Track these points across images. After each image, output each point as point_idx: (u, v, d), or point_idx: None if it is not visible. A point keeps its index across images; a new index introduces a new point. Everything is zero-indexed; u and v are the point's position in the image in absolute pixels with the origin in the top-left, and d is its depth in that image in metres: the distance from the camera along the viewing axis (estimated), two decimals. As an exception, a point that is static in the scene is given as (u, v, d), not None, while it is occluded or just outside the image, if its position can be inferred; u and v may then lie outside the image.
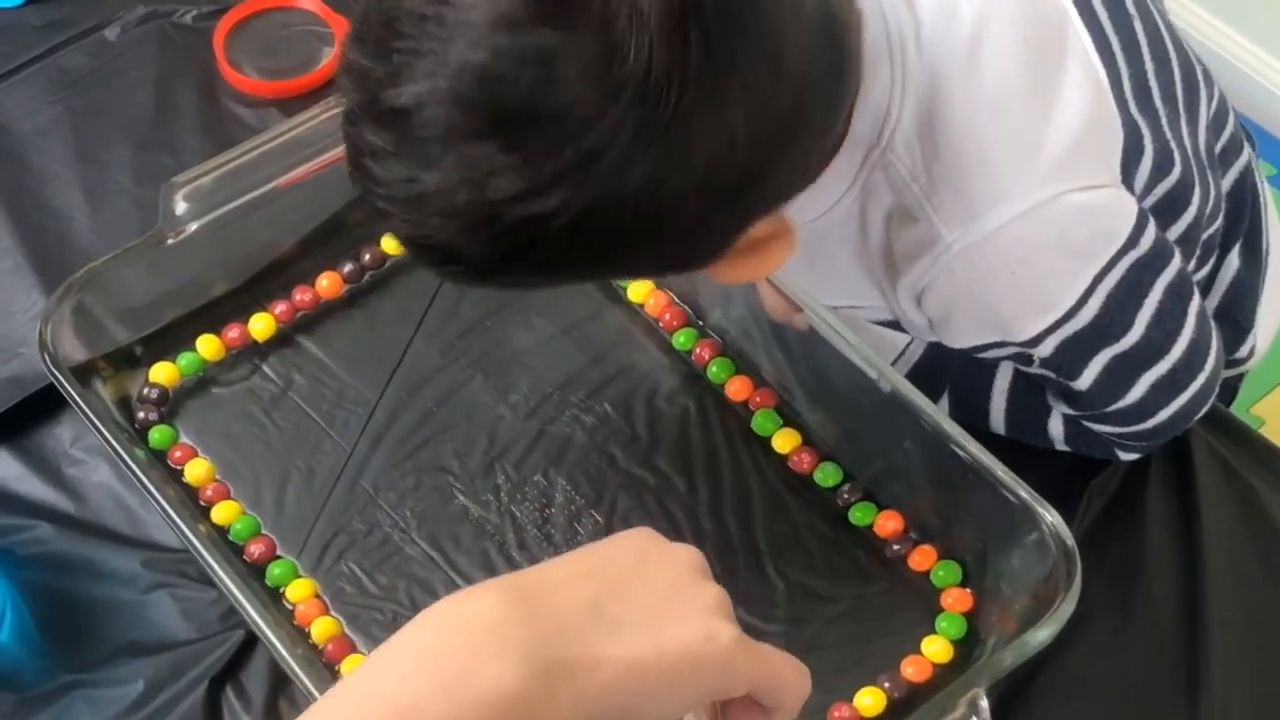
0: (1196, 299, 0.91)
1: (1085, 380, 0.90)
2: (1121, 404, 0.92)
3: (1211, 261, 1.03)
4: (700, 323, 1.03)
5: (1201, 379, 0.93)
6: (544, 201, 0.69)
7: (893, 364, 0.99)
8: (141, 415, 0.98)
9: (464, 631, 0.59)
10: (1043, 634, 0.84)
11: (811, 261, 0.93)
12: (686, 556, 0.66)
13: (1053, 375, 0.91)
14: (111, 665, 0.90)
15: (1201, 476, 0.99)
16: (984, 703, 0.82)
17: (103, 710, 0.89)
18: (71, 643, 0.91)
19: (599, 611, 0.61)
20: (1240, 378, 1.11)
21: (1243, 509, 0.99)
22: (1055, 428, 0.98)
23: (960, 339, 0.91)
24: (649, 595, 0.62)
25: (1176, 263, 0.89)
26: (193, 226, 0.98)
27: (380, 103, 0.69)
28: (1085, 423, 0.96)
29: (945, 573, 0.92)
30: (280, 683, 0.90)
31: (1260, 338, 1.08)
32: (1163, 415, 0.93)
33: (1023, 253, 0.84)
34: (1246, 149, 1.04)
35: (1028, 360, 0.91)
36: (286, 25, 1.22)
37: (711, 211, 0.73)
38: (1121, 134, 0.87)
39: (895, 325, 0.97)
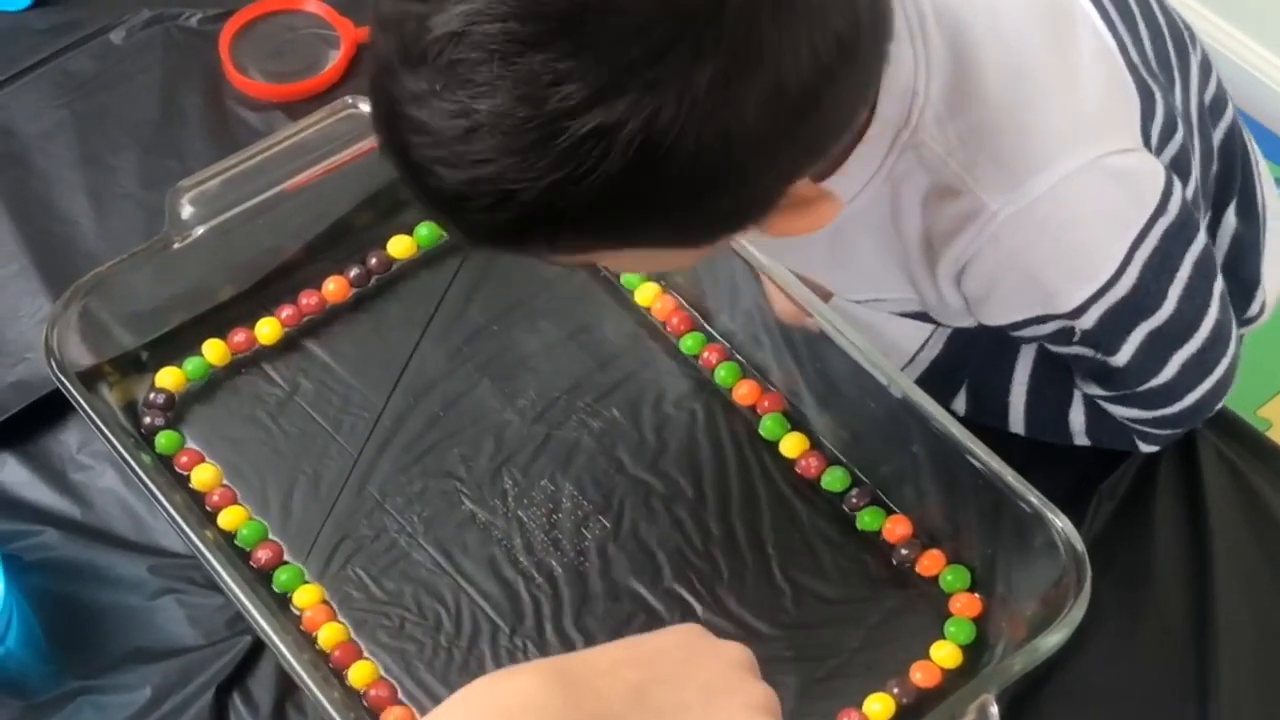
0: (1220, 281, 0.92)
1: (1123, 356, 0.90)
2: (1154, 383, 0.92)
3: (1206, 219, 1.04)
4: (708, 327, 1.02)
5: (1225, 364, 0.94)
6: (610, 109, 0.65)
7: (904, 367, 0.98)
8: (148, 420, 0.97)
9: (501, 712, 0.58)
10: (1053, 639, 0.83)
11: (834, 254, 0.92)
12: (736, 654, 0.66)
13: (1090, 352, 0.91)
14: (118, 671, 0.90)
15: (1209, 480, 0.99)
16: (994, 709, 0.82)
17: (109, 716, 0.88)
18: (78, 649, 0.91)
19: (642, 700, 0.60)
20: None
21: (1251, 512, 0.98)
22: (1076, 419, 0.98)
23: (1001, 315, 0.90)
24: (694, 689, 0.62)
25: (1202, 237, 0.90)
26: (199, 231, 0.98)
27: (421, 40, 0.67)
28: (1113, 407, 0.96)
29: (954, 578, 0.92)
30: (287, 689, 0.89)
31: (1269, 293, 1.08)
32: (1189, 399, 0.93)
33: (1066, 217, 0.85)
34: (1230, 106, 1.05)
35: (1067, 336, 0.90)
36: (292, 28, 1.22)
37: (773, 136, 0.70)
38: (1138, 98, 0.88)
39: (919, 317, 0.96)
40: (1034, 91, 0.84)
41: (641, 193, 0.68)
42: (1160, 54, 0.94)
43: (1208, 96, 1.02)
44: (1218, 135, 1.04)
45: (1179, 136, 0.93)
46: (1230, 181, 1.06)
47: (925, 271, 0.90)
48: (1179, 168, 0.93)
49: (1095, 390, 0.96)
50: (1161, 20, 0.96)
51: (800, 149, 0.72)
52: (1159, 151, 0.91)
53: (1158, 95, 0.90)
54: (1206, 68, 1.02)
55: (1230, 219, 1.06)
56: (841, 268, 0.95)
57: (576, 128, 0.65)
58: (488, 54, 0.66)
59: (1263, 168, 1.10)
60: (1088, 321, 0.88)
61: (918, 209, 0.88)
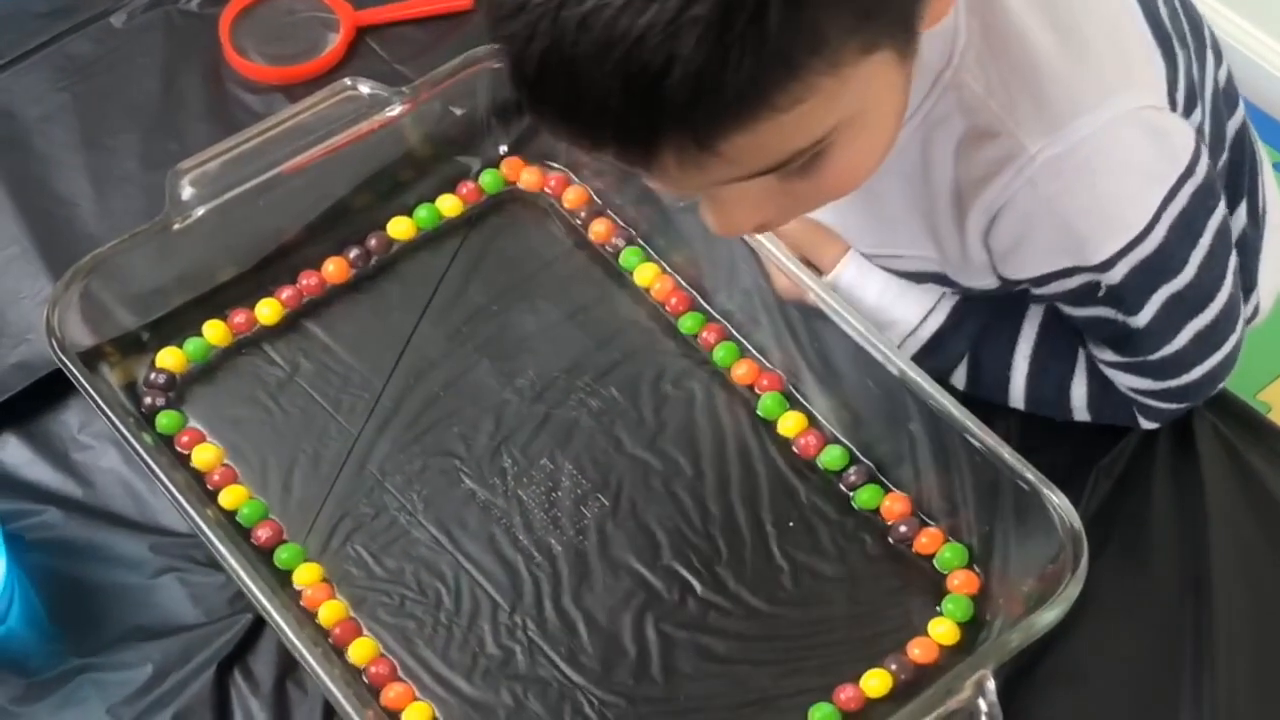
0: (1234, 256, 0.92)
1: (1144, 317, 0.90)
2: (1167, 350, 0.92)
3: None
4: (706, 307, 1.03)
5: (1233, 340, 0.94)
6: None
7: (904, 340, 0.98)
8: (148, 400, 0.98)
9: None
10: (1050, 615, 0.84)
11: (860, 201, 0.92)
12: None
13: (1111, 313, 0.91)
14: (120, 649, 0.90)
15: (1206, 458, 0.99)
16: (990, 684, 0.82)
17: (111, 694, 0.89)
18: (80, 627, 0.91)
19: None
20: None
21: (1247, 490, 0.99)
22: (1078, 393, 0.98)
23: (1029, 267, 0.90)
24: None
25: (1222, 208, 0.91)
26: (199, 212, 0.99)
27: None
28: (1122, 376, 0.96)
29: (951, 555, 0.92)
30: (288, 666, 0.90)
31: (1263, 297, 1.09)
32: (1197, 371, 0.94)
33: (1103, 165, 0.85)
34: (1241, 105, 1.05)
35: (1091, 292, 0.90)
36: (291, 11, 1.22)
37: None
38: (1164, 64, 0.88)
39: (931, 279, 0.96)
40: (1075, 39, 0.85)
41: None
42: (1179, 33, 0.94)
43: (1221, 79, 1.02)
44: (1231, 126, 1.04)
45: (1198, 112, 0.94)
46: (1240, 180, 1.06)
47: (952, 225, 0.90)
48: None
49: (1109, 356, 0.96)
50: (1178, 2, 0.96)
51: None
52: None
53: (1180, 64, 0.91)
54: (1218, 55, 1.03)
55: (1241, 218, 1.06)
56: (866, 217, 0.95)
57: None
58: None
59: (1267, 169, 1.10)
60: (1115, 276, 0.88)
61: (950, 159, 0.88)
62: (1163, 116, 0.87)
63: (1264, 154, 1.10)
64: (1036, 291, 0.93)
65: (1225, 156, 1.03)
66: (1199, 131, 0.93)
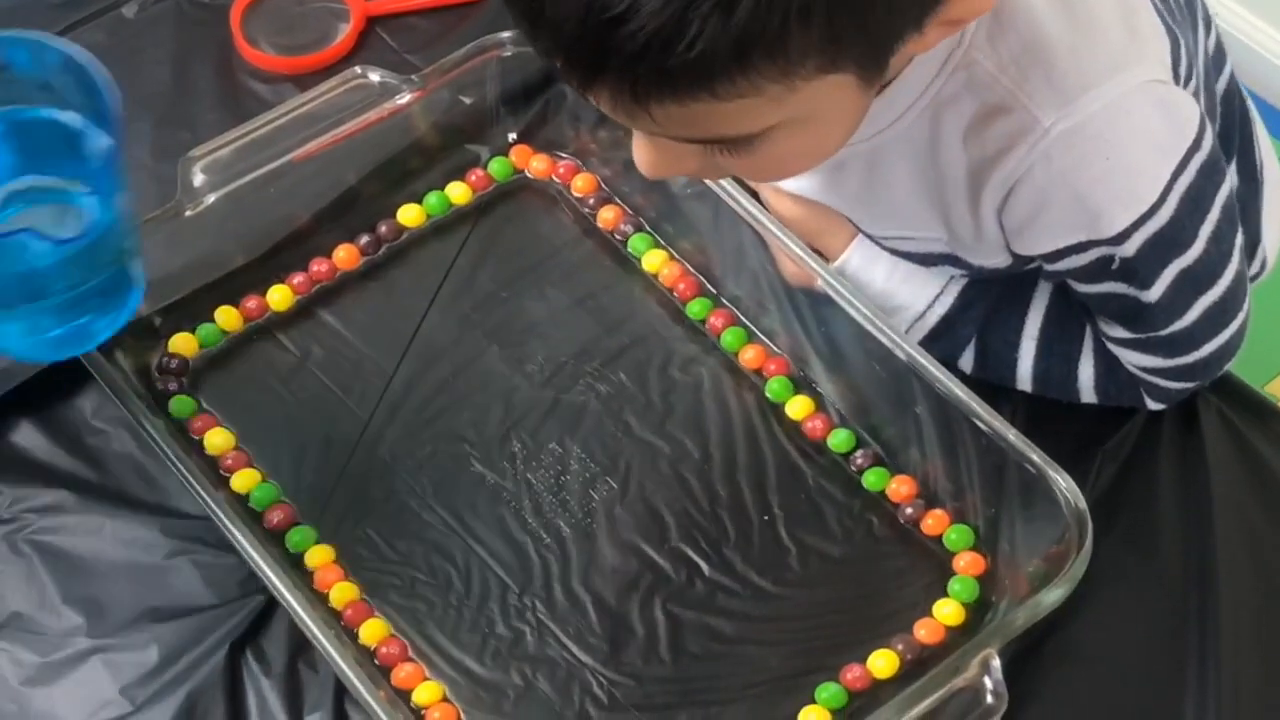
0: (1241, 235, 0.93)
1: (1156, 291, 0.91)
2: (1178, 326, 0.93)
3: None
4: (714, 292, 1.03)
5: (1240, 317, 0.95)
6: None
7: (912, 324, 0.99)
8: (161, 385, 0.99)
9: None
10: (1055, 594, 0.85)
11: (869, 183, 0.93)
12: None
13: (1124, 287, 0.92)
14: (132, 630, 0.91)
15: (1211, 441, 0.99)
16: (996, 662, 0.83)
17: (124, 674, 0.89)
18: (93, 608, 0.92)
19: None
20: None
21: (1252, 473, 0.99)
22: (1085, 373, 0.98)
23: (1042, 242, 0.91)
24: None
25: (1228, 183, 0.91)
26: (211, 199, 1.00)
27: None
28: (1132, 353, 0.96)
29: (958, 537, 0.93)
30: (300, 647, 0.90)
31: (1269, 252, 1.10)
32: (1206, 349, 0.95)
33: (1117, 137, 0.86)
34: (1229, 62, 1.07)
35: (1104, 266, 0.91)
36: (301, 2, 1.22)
37: None
38: (1168, 39, 0.89)
39: (942, 261, 0.97)
40: (1083, 14, 0.86)
41: None
42: (1177, 6, 0.95)
43: (1210, 46, 1.04)
44: (1219, 88, 1.05)
45: (1194, 83, 0.95)
46: (1230, 138, 1.07)
47: (964, 203, 0.91)
48: None
49: (1119, 332, 0.96)
50: None
51: None
52: None
53: (1180, 38, 0.91)
54: (1208, 21, 1.04)
55: (1231, 177, 1.07)
56: (875, 199, 0.96)
57: None
58: None
59: (1260, 127, 1.11)
60: (1129, 249, 0.89)
61: (959, 141, 0.89)
62: (1170, 90, 0.88)
63: (1254, 110, 1.11)
64: (1049, 268, 0.94)
65: (1219, 121, 1.04)
66: (1196, 96, 0.94)
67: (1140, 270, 0.91)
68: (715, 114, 0.74)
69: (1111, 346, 0.97)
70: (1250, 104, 1.10)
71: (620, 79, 0.72)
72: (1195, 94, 0.95)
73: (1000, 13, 0.85)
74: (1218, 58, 1.05)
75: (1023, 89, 0.86)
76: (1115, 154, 0.87)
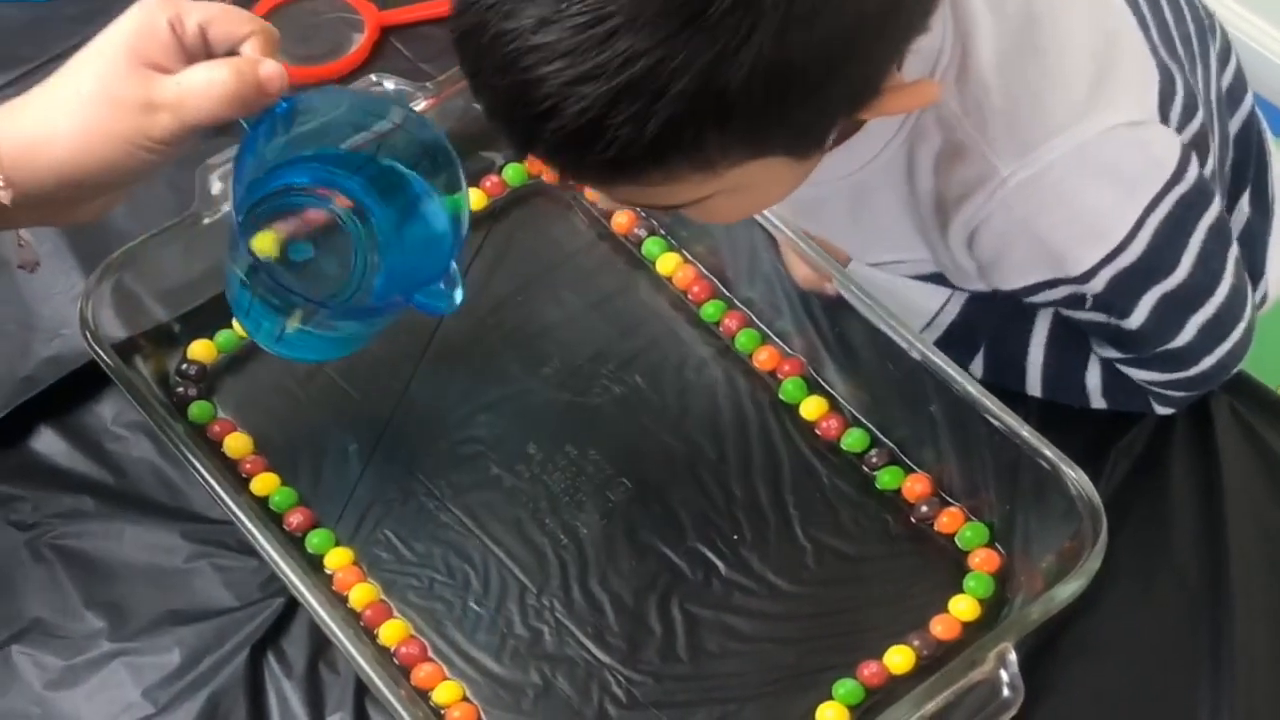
0: (1235, 247, 0.93)
1: (1136, 319, 0.91)
2: (1171, 345, 0.93)
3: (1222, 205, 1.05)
4: (727, 294, 1.04)
5: (1242, 327, 0.95)
6: None
7: (922, 330, 1.00)
8: (180, 391, 0.99)
9: None
10: (1070, 588, 0.85)
11: (855, 216, 0.94)
12: None
13: (1104, 317, 0.92)
14: (154, 634, 0.92)
15: (1224, 438, 1.00)
16: (1012, 656, 0.83)
17: (146, 677, 0.90)
18: (114, 612, 0.93)
19: None
20: (1250, 330, 1.12)
21: (1265, 469, 1.00)
22: (1093, 380, 0.99)
23: (1012, 279, 0.92)
24: None
25: (1217, 205, 0.91)
26: (228, 207, 1.00)
27: None
28: (1131, 370, 0.97)
29: (972, 534, 0.93)
30: (320, 648, 0.91)
31: (1271, 284, 1.10)
32: (1207, 362, 0.95)
33: (1077, 184, 0.86)
34: (1248, 96, 1.06)
35: (1079, 301, 0.92)
36: (316, 13, 1.24)
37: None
38: (1158, 75, 0.89)
39: (937, 279, 0.98)
40: (1051, 59, 0.86)
41: (789, 68, 0.68)
42: (1183, 36, 0.95)
43: (1225, 83, 1.03)
44: (1235, 123, 1.05)
45: (1199, 118, 0.94)
46: (1245, 170, 1.07)
47: (938, 233, 0.92)
48: (1198, 149, 0.94)
49: (1112, 354, 0.97)
50: (1184, 3, 0.97)
51: (913, 11, 0.74)
52: (1180, 129, 0.92)
53: (1178, 77, 0.91)
54: (1225, 55, 1.04)
55: (1244, 207, 1.07)
56: (861, 229, 0.96)
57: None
58: None
59: (1277, 159, 1.11)
60: (1098, 285, 0.90)
61: (930, 170, 0.89)
62: (1144, 130, 0.88)
63: (1271, 142, 1.11)
64: (1026, 300, 0.94)
65: (1231, 155, 1.04)
66: (1201, 131, 0.94)
67: (1115, 302, 0.91)
68: (642, 192, 0.76)
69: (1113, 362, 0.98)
70: (1268, 134, 1.10)
71: (548, 157, 0.75)
72: (1202, 129, 0.95)
73: (969, 55, 0.85)
74: (1234, 91, 1.05)
75: (984, 135, 0.86)
76: (1076, 200, 0.87)
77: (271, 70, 0.79)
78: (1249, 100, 1.07)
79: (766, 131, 0.72)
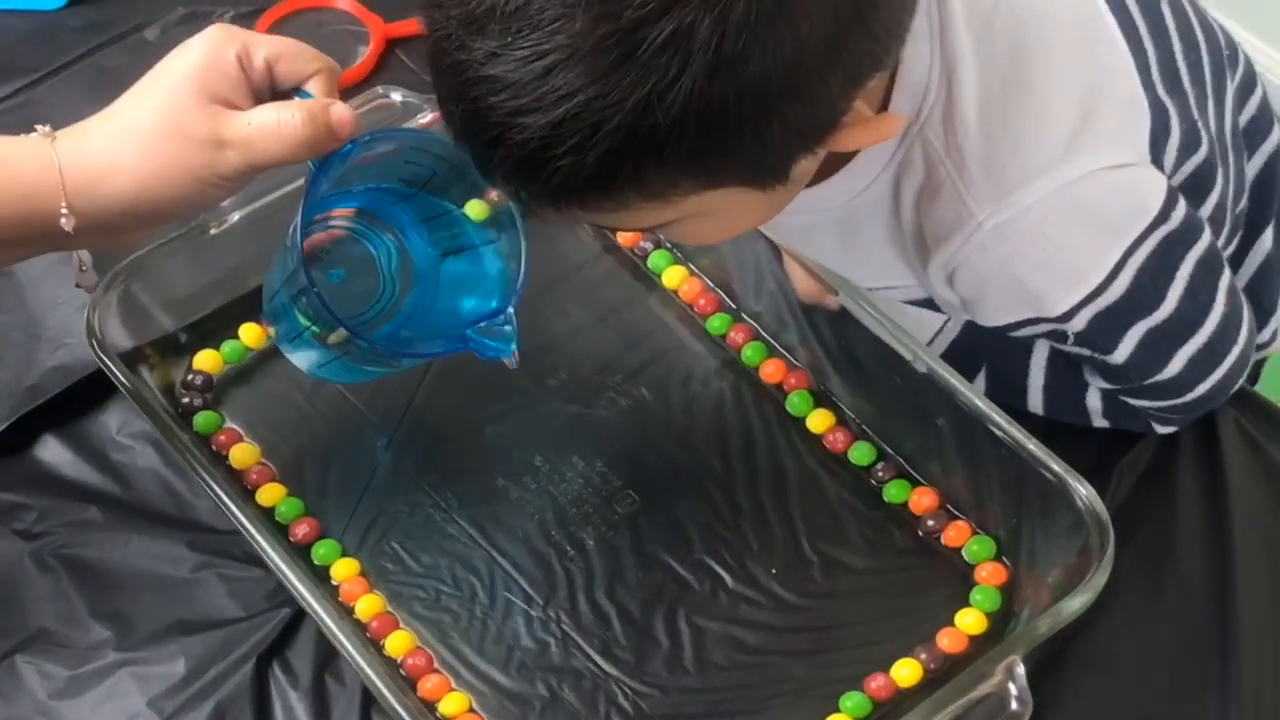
0: (1227, 274, 0.93)
1: (1121, 354, 0.91)
2: (1160, 377, 0.93)
3: (1237, 240, 1.05)
4: (734, 307, 1.04)
5: (1236, 352, 0.95)
6: (683, 10, 0.67)
7: (928, 344, 1.00)
8: (186, 401, 0.99)
9: None
10: (1077, 602, 0.85)
11: (845, 245, 0.94)
12: None
13: (1088, 352, 0.93)
14: (160, 644, 0.92)
15: (1230, 454, 1.00)
16: (1020, 669, 0.83)
17: (151, 687, 0.90)
18: (120, 622, 0.92)
19: None
20: (1262, 362, 1.13)
21: (1271, 486, 1.00)
22: (1093, 401, 0.99)
23: (993, 318, 0.92)
24: None
25: (1207, 237, 0.90)
26: (234, 217, 1.00)
27: None
28: (1124, 398, 0.97)
29: (979, 548, 0.93)
30: (326, 659, 0.91)
31: None
32: (1201, 389, 0.95)
33: (1054, 228, 0.86)
34: (1276, 129, 1.05)
35: (1062, 337, 0.92)
36: (322, 24, 1.24)
37: (837, 34, 0.71)
38: (1149, 115, 0.89)
39: (930, 305, 0.98)
40: (1036, 102, 0.86)
41: (723, 106, 0.69)
42: (1193, 67, 0.94)
43: (1244, 118, 1.03)
44: (1258, 159, 1.04)
45: (1202, 153, 0.94)
46: (1268, 203, 1.06)
47: (920, 267, 0.92)
48: (1199, 185, 0.94)
49: (1103, 384, 0.98)
50: (1200, 34, 0.96)
51: (862, 52, 0.73)
52: (1176, 167, 0.92)
53: (1173, 114, 0.90)
54: (1247, 89, 1.03)
55: (1266, 242, 1.07)
56: (852, 258, 0.96)
57: (654, 35, 0.67)
58: None
59: None
60: (1078, 324, 0.90)
61: (912, 205, 0.90)
62: (1126, 173, 0.87)
63: None
64: (1011, 335, 0.94)
65: (1247, 190, 1.03)
66: (1206, 165, 0.94)
67: (1098, 339, 0.91)
68: (598, 217, 0.78)
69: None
70: None
71: (503, 183, 0.77)
72: (1207, 163, 0.94)
73: (954, 93, 0.85)
74: (1255, 128, 1.04)
75: (961, 178, 0.86)
76: (1053, 244, 0.86)
77: (344, 115, 0.80)
78: (1276, 133, 1.05)
79: (707, 165, 0.73)
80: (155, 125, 0.78)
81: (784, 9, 0.68)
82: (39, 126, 0.79)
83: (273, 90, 0.81)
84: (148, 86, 0.80)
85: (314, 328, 0.87)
